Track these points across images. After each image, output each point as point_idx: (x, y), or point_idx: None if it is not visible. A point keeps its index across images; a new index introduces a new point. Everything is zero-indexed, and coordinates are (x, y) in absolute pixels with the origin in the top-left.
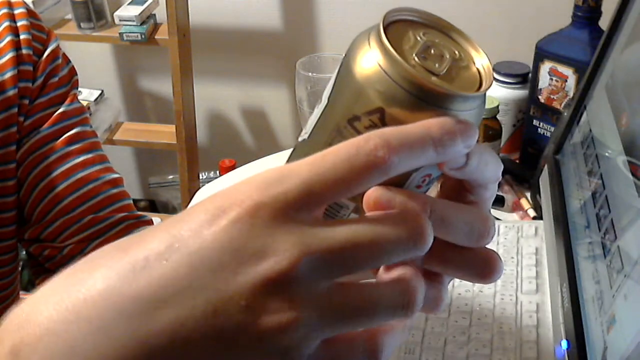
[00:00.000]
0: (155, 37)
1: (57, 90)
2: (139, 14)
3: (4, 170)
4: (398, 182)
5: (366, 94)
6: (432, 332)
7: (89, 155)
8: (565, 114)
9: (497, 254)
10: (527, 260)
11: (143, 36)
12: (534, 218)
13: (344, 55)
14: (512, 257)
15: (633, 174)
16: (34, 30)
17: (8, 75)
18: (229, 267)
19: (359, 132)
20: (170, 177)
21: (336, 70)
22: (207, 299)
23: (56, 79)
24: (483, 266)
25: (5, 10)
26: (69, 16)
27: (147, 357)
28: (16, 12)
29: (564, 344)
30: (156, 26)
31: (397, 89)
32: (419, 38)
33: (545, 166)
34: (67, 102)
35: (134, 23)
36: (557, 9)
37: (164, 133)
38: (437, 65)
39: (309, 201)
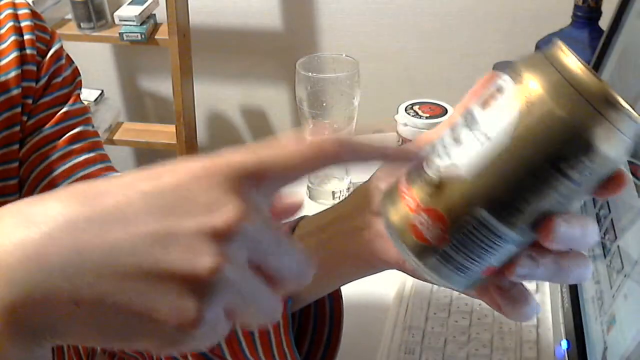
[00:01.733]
0: (155, 37)
1: (61, 90)
2: (139, 14)
3: (6, 170)
4: (570, 208)
5: (576, 134)
6: (432, 332)
7: (91, 155)
8: None
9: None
10: None
11: (143, 36)
12: None
13: (515, 82)
14: None
15: (633, 174)
16: (38, 31)
17: (12, 74)
18: (178, 211)
19: (562, 173)
20: None
21: (511, 107)
22: (150, 232)
23: (60, 79)
24: (584, 261)
25: (9, 11)
26: (69, 16)
27: (79, 264)
28: (20, 12)
29: (564, 344)
30: (156, 26)
31: (611, 127)
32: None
33: None
34: (70, 102)
35: (134, 23)
36: (557, 9)
37: (164, 133)
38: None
39: (262, 177)
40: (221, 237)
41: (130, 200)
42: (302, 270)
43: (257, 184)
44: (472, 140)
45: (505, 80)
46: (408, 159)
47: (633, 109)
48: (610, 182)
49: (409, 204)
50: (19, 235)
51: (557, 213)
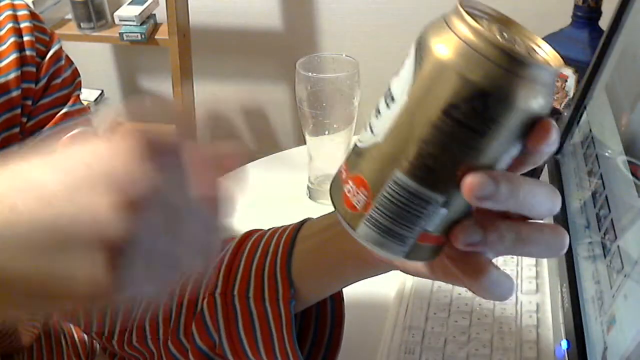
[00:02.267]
0: (155, 37)
1: (61, 91)
2: (139, 14)
3: None
4: (490, 165)
5: (461, 79)
6: (432, 332)
7: None
8: (565, 114)
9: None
10: (527, 260)
11: (143, 36)
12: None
13: (416, 49)
14: (512, 257)
15: (633, 174)
16: (37, 33)
17: (12, 76)
18: (86, 186)
19: (456, 121)
20: None
21: (410, 65)
22: (57, 205)
23: (59, 80)
24: (554, 233)
25: (9, 12)
26: (69, 16)
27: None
28: (19, 13)
29: (564, 344)
30: (156, 26)
31: (496, 68)
32: (489, 25)
33: (546, 166)
34: (69, 103)
35: (134, 23)
36: (557, 9)
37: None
38: (516, 46)
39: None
40: (134, 206)
41: (49, 177)
42: (211, 234)
43: (161, 153)
44: (384, 107)
45: (412, 46)
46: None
47: (516, 53)
48: (533, 132)
49: (341, 176)
50: None
51: (478, 169)
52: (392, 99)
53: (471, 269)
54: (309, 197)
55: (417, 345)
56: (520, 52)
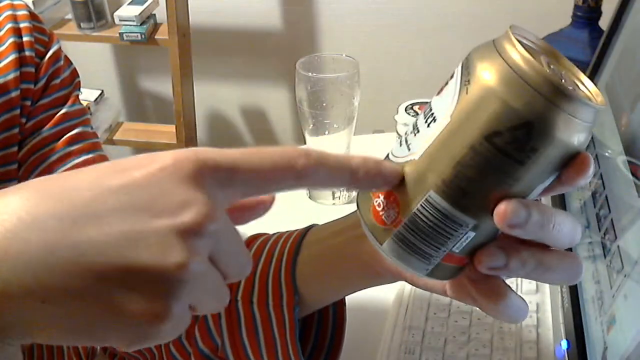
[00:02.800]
0: (155, 37)
1: (60, 91)
2: (139, 14)
3: (6, 172)
4: (524, 194)
5: (507, 108)
6: (432, 332)
7: (90, 156)
8: None
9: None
10: None
11: (143, 36)
12: None
13: (462, 71)
14: None
15: (633, 174)
16: (37, 33)
17: (10, 76)
18: (147, 208)
19: (498, 148)
20: None
21: (455, 86)
22: (120, 230)
23: (58, 80)
24: (573, 262)
25: (8, 13)
26: (69, 16)
27: (49, 263)
28: (18, 14)
29: (564, 344)
30: (156, 26)
31: (544, 101)
32: (538, 56)
33: None
34: (69, 103)
35: (134, 23)
36: (557, 9)
37: (164, 133)
38: (563, 81)
39: (231, 176)
40: (189, 234)
41: (100, 197)
42: (247, 263)
43: (224, 182)
44: (423, 125)
45: (457, 68)
46: (377, 184)
47: (564, 89)
48: (571, 166)
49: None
50: None
51: (512, 196)
52: (434, 118)
53: (490, 292)
54: (309, 197)
55: (417, 345)
56: (567, 85)
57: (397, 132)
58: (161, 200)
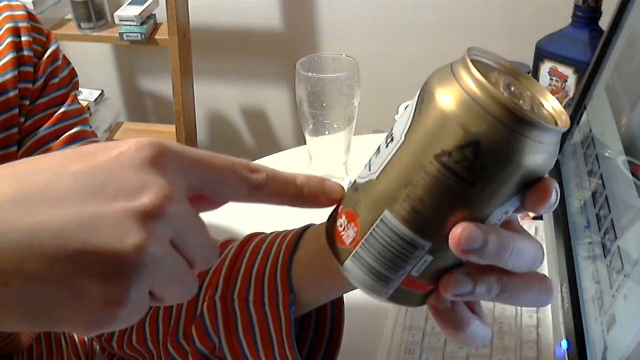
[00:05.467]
0: (155, 37)
1: (58, 91)
2: (139, 14)
3: None
4: (481, 219)
5: (457, 127)
6: (432, 332)
7: None
8: None
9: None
10: None
11: (143, 36)
12: (534, 218)
13: (419, 93)
14: None
15: (633, 174)
16: (35, 33)
17: (9, 76)
18: (106, 190)
19: (447, 168)
20: None
21: (412, 107)
22: (76, 213)
23: (57, 79)
24: (541, 286)
25: (7, 13)
26: (69, 16)
27: (5, 246)
28: (16, 14)
29: (564, 344)
30: (156, 26)
31: (493, 121)
32: (496, 77)
33: None
34: (67, 102)
35: (134, 23)
36: (557, 9)
37: (164, 133)
38: (520, 102)
39: (193, 167)
40: (147, 216)
41: (60, 180)
42: (212, 252)
43: (185, 170)
44: (383, 145)
45: (417, 92)
46: (319, 201)
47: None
48: (531, 191)
49: (337, 209)
50: None
51: (468, 220)
52: (392, 138)
53: (453, 323)
54: None
55: (417, 345)
56: (520, 107)
57: None
58: (119, 183)
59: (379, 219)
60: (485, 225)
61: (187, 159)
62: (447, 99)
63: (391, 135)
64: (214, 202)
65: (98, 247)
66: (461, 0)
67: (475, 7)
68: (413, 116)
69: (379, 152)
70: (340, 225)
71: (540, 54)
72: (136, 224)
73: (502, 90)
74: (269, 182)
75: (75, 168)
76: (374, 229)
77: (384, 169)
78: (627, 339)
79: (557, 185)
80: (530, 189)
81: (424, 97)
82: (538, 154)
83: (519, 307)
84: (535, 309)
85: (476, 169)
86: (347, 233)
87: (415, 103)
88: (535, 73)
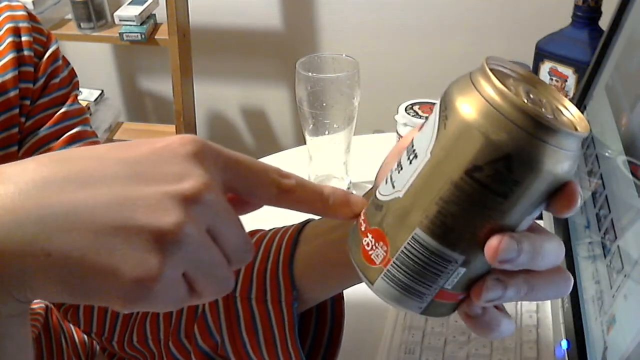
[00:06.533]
0: (155, 37)
1: (59, 91)
2: (139, 14)
3: None
4: (512, 228)
5: (485, 141)
6: (432, 332)
7: None
8: None
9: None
10: None
11: (143, 36)
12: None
13: (440, 106)
14: None
15: (633, 174)
16: (35, 33)
17: (9, 76)
18: (149, 176)
19: (478, 182)
20: None
21: (434, 122)
22: (122, 192)
23: (57, 79)
24: (562, 278)
25: (7, 14)
26: (69, 16)
27: (54, 217)
28: (17, 14)
29: (564, 344)
30: (156, 26)
31: (522, 133)
32: (515, 86)
33: None
34: (68, 102)
35: (134, 23)
36: (557, 9)
37: (164, 133)
38: (542, 110)
39: (231, 166)
40: (187, 199)
41: (108, 164)
42: (247, 248)
43: (223, 167)
44: (406, 162)
45: (437, 103)
46: (344, 213)
47: (541, 119)
48: (559, 197)
49: (361, 227)
50: None
51: (500, 230)
52: (415, 155)
53: (485, 326)
54: None
55: (417, 345)
56: (546, 116)
57: (397, 132)
58: (163, 170)
59: (411, 236)
60: (518, 234)
61: (224, 157)
62: (470, 111)
63: (413, 151)
64: (247, 205)
65: (139, 223)
66: (461, 0)
67: (476, 7)
68: (437, 131)
69: (401, 169)
70: (368, 245)
71: (540, 54)
72: (176, 205)
73: (524, 99)
74: (298, 188)
75: (122, 156)
76: (405, 247)
77: (411, 186)
78: (627, 339)
79: (579, 188)
80: (557, 195)
81: (447, 112)
82: (565, 161)
83: (519, 307)
84: (535, 309)
85: (508, 181)
86: (375, 252)
87: (437, 117)
88: (535, 73)
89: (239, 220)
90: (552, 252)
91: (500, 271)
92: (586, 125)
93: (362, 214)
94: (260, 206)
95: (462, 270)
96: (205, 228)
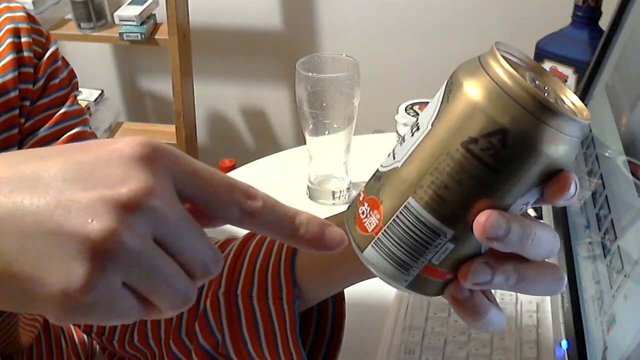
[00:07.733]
0: (155, 37)
1: (58, 91)
2: (139, 14)
3: None
4: (503, 207)
5: (484, 115)
6: (432, 332)
7: None
8: None
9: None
10: None
11: (143, 36)
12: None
13: (447, 84)
14: None
15: (633, 174)
16: (34, 34)
17: (9, 77)
18: (89, 180)
19: (473, 155)
20: None
21: (439, 98)
22: (56, 196)
23: (57, 80)
24: (554, 274)
25: (8, 14)
26: (69, 16)
27: None
28: (16, 15)
29: (564, 344)
30: (156, 26)
31: (521, 109)
32: (522, 71)
33: None
34: (67, 103)
35: (134, 23)
36: (557, 9)
37: (164, 133)
38: (545, 95)
39: (187, 174)
40: (122, 206)
41: (48, 167)
42: (212, 259)
43: (178, 174)
44: (408, 134)
45: (443, 83)
46: (316, 246)
47: (538, 98)
48: (552, 182)
49: (359, 197)
50: None
51: (491, 208)
52: (418, 127)
53: (472, 311)
54: (309, 197)
55: (417, 345)
56: (551, 100)
57: (397, 132)
58: (103, 174)
59: (403, 205)
60: (509, 214)
61: (183, 166)
62: (475, 88)
63: (417, 124)
64: (207, 219)
65: (69, 230)
66: (461, 0)
67: (476, 8)
68: (440, 105)
69: (403, 142)
70: (362, 213)
71: (540, 54)
72: (109, 211)
73: (529, 82)
74: (264, 212)
75: (66, 158)
76: (397, 216)
77: (409, 156)
78: (627, 339)
79: (576, 178)
80: (550, 180)
81: (452, 88)
82: (561, 145)
83: (519, 307)
84: (535, 309)
85: (502, 156)
86: (369, 220)
87: (442, 93)
88: None
89: (199, 229)
90: (545, 240)
91: (492, 256)
92: (588, 114)
93: (364, 186)
94: (223, 224)
95: (451, 246)
96: (150, 236)
